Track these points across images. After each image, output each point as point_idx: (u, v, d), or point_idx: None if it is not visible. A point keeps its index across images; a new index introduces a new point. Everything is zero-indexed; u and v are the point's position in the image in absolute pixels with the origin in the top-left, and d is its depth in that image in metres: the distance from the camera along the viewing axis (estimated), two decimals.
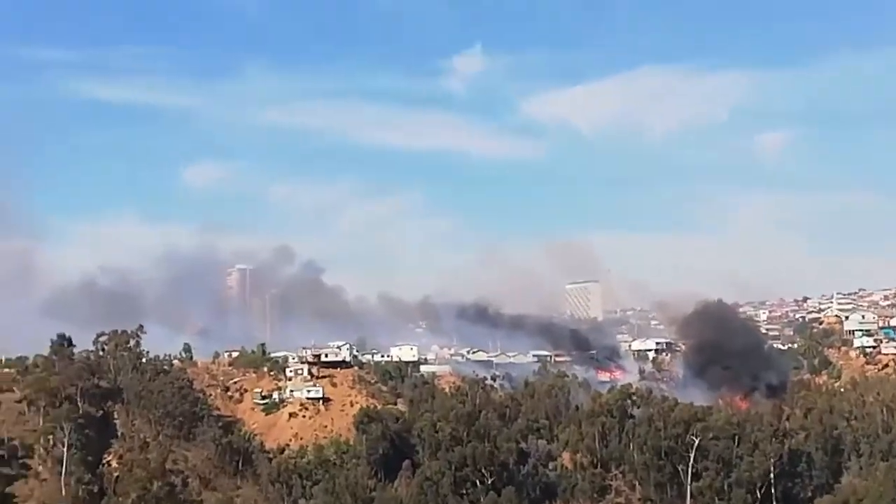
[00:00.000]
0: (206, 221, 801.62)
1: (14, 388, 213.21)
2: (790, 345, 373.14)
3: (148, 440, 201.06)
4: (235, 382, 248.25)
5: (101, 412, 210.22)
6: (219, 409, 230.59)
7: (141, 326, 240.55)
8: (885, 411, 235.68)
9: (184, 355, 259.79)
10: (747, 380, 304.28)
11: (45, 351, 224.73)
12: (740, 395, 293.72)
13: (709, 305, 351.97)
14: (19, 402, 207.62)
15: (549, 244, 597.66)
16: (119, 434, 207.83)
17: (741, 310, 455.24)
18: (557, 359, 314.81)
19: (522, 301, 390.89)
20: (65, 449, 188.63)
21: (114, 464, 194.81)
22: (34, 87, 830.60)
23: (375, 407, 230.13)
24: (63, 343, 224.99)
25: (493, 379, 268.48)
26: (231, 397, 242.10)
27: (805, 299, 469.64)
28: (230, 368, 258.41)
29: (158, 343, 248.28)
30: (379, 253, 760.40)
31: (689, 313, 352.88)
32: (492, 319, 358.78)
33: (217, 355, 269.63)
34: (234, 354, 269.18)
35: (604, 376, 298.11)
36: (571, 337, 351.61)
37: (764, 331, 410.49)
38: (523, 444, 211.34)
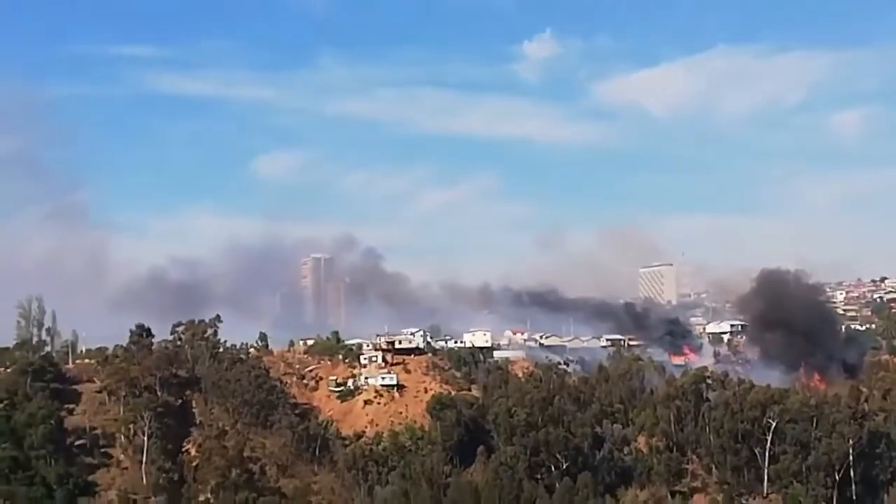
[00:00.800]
0: (278, 211, 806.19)
1: (95, 378, 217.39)
2: (868, 325, 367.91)
3: (226, 428, 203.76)
4: (311, 370, 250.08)
5: (179, 401, 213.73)
6: (295, 397, 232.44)
7: (218, 316, 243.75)
8: None
9: (260, 344, 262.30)
10: (821, 358, 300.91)
11: (125, 341, 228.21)
12: (816, 374, 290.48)
13: (767, 275, 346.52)
14: (100, 391, 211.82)
15: (603, 231, 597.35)
16: (197, 423, 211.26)
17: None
18: (631, 343, 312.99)
19: (594, 285, 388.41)
20: (145, 438, 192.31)
21: (193, 452, 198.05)
22: (115, 83, 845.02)
23: (449, 393, 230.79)
24: (142, 333, 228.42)
25: (567, 364, 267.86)
26: (307, 385, 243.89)
27: (883, 279, 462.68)
28: (305, 356, 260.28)
29: (234, 332, 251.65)
30: (451, 239, 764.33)
31: (747, 289, 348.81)
32: (556, 304, 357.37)
33: (292, 343, 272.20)
34: (310, 342, 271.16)
35: (678, 360, 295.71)
36: (645, 320, 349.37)
37: (841, 311, 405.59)
38: (598, 429, 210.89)
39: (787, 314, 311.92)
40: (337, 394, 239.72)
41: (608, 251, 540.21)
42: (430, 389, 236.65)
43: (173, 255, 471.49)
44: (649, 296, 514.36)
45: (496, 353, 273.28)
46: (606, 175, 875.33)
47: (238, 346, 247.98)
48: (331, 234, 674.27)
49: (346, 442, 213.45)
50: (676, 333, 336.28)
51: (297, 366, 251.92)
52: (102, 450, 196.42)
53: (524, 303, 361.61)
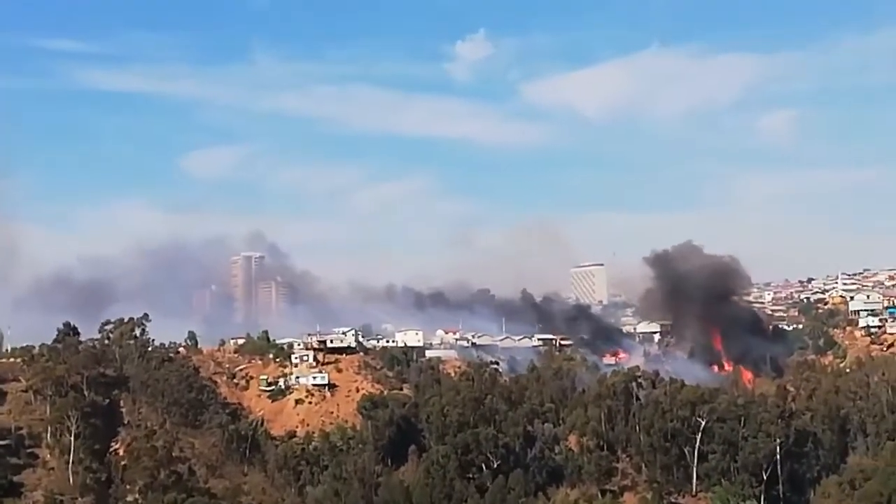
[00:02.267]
0: (208, 208, 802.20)
1: (20, 378, 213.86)
2: (795, 325, 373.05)
3: (154, 428, 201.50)
4: (241, 369, 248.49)
5: (107, 401, 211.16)
6: (225, 397, 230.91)
7: (146, 315, 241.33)
8: (890, 391, 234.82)
9: (189, 343, 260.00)
10: (743, 350, 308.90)
11: (51, 340, 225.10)
12: (746, 371, 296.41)
13: (658, 255, 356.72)
14: (26, 391, 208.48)
15: (518, 228, 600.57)
16: (125, 422, 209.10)
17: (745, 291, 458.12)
18: (562, 343, 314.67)
19: (524, 285, 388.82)
20: (72, 438, 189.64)
21: (121, 452, 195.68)
22: (44, 77, 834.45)
23: (381, 392, 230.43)
24: (69, 332, 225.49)
25: (498, 363, 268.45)
26: (237, 384, 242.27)
27: (810, 280, 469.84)
28: (236, 356, 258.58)
29: (163, 332, 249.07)
30: (384, 238, 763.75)
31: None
32: (458, 303, 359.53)
33: (222, 343, 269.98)
34: (240, 342, 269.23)
35: (609, 359, 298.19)
36: (576, 320, 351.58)
37: (769, 311, 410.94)
38: (529, 428, 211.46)
39: (685, 283, 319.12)
40: (268, 393, 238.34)
41: (522, 248, 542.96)
42: (362, 389, 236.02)
43: (83, 253, 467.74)
44: (580, 297, 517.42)
45: (428, 353, 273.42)
46: (539, 174, 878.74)
47: (167, 346, 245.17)
48: (240, 232, 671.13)
49: (277, 442, 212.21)
50: (608, 333, 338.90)
51: (228, 365, 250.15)
52: (28, 450, 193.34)
53: (424, 303, 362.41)
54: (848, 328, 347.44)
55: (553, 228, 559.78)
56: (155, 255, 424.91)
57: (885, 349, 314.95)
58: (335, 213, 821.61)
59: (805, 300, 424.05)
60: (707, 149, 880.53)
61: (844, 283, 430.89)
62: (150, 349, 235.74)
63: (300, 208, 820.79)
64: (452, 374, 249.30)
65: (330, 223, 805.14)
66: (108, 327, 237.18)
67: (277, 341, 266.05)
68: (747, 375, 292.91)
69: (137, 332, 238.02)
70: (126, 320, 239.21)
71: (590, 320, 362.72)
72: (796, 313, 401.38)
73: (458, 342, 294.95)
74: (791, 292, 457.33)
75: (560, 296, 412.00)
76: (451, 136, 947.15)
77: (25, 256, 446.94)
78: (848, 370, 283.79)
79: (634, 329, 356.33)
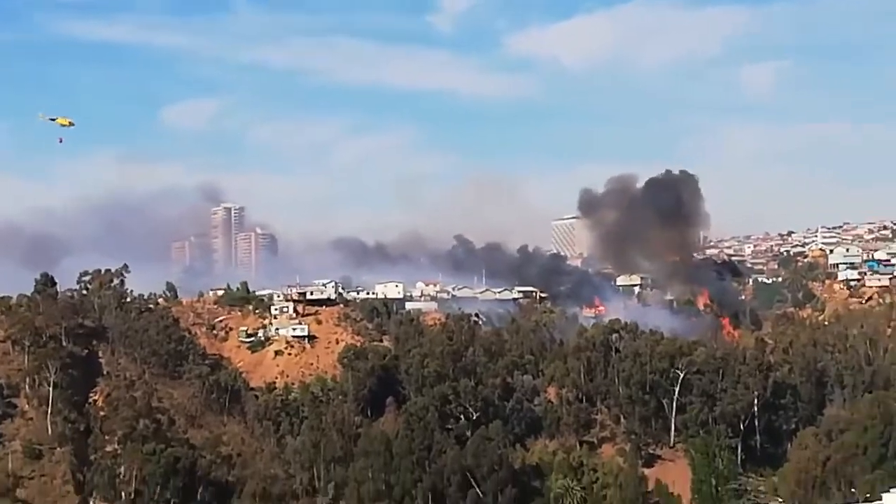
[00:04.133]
0: (187, 161, 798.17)
1: None
2: (774, 278, 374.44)
3: (133, 379, 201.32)
4: (221, 321, 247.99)
5: (86, 351, 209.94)
6: (204, 348, 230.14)
7: (125, 266, 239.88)
8: (868, 344, 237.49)
9: (168, 294, 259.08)
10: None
11: (29, 290, 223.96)
12: (726, 322, 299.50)
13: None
14: (3, 341, 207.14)
15: (472, 178, 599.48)
16: (104, 373, 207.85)
17: (726, 244, 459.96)
18: (543, 295, 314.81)
19: (506, 237, 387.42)
20: (50, 388, 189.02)
21: (99, 402, 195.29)
22: (22, 26, 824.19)
23: (361, 344, 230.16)
24: (46, 283, 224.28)
25: (479, 316, 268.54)
26: (216, 336, 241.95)
27: (790, 233, 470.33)
28: (215, 307, 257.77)
29: (142, 283, 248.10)
30: (367, 190, 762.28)
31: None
32: (407, 257, 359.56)
33: (202, 294, 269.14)
34: (219, 293, 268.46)
35: (589, 312, 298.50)
36: (556, 273, 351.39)
37: (749, 265, 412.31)
38: (509, 380, 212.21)
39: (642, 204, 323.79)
40: (247, 345, 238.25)
41: (472, 202, 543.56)
42: (342, 340, 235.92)
43: (53, 205, 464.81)
44: (560, 249, 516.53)
45: (408, 305, 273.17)
46: (526, 128, 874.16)
47: (146, 297, 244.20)
48: (194, 183, 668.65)
49: (257, 393, 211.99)
50: (588, 286, 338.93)
51: (207, 316, 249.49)
52: (7, 400, 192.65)
53: (370, 255, 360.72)
54: (827, 281, 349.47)
55: (508, 182, 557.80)
56: (126, 207, 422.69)
57: (863, 302, 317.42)
58: (315, 166, 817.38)
59: (785, 253, 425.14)
60: (690, 101, 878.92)
61: (824, 237, 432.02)
62: (128, 300, 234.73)
63: (279, 161, 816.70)
64: (433, 327, 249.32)
65: (309, 177, 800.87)
66: (85, 278, 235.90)
67: (257, 293, 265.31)
68: (729, 329, 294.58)
69: (116, 282, 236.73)
70: (104, 271, 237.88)
71: (569, 273, 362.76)
72: (776, 266, 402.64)
73: (439, 294, 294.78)
74: (771, 245, 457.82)
75: (508, 247, 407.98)
76: (433, 88, 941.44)
77: None
78: (826, 323, 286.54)
79: (615, 282, 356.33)
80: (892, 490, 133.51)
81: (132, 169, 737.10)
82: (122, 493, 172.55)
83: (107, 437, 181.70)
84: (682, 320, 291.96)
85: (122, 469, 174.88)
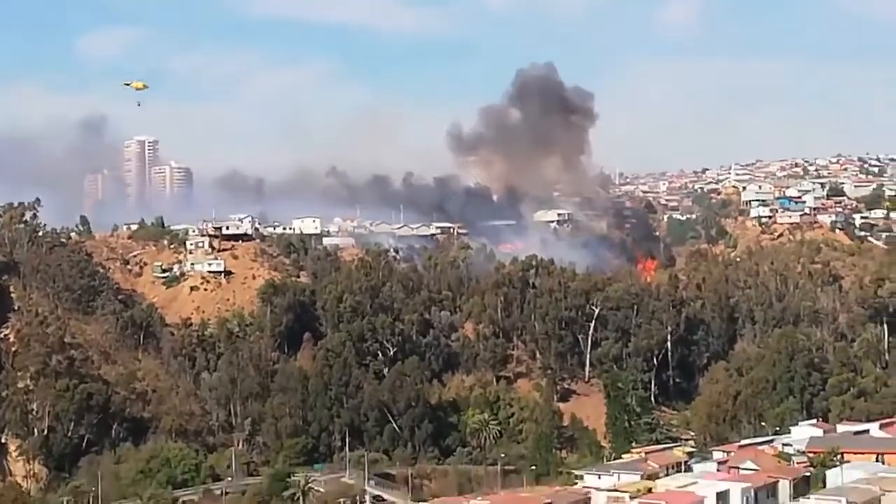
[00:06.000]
0: (102, 92, 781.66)
1: None
2: (689, 216, 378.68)
3: (46, 315, 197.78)
4: (135, 255, 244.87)
5: None
6: (118, 283, 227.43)
7: (38, 199, 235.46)
8: (778, 280, 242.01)
9: (81, 228, 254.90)
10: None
11: None
12: (641, 256, 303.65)
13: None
14: None
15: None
16: (16, 308, 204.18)
17: (641, 181, 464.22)
18: (460, 231, 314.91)
19: (422, 173, 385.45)
20: None
21: (11, 338, 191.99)
22: None
23: (279, 280, 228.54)
24: None
25: (396, 251, 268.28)
26: (130, 271, 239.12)
27: (704, 170, 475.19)
28: (129, 242, 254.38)
29: (55, 217, 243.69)
30: (285, 124, 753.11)
31: None
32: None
33: (115, 228, 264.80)
34: (133, 227, 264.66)
35: (506, 248, 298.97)
36: (474, 209, 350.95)
37: (663, 202, 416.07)
38: (426, 316, 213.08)
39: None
40: (162, 280, 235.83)
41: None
42: (259, 276, 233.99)
43: None
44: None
45: (325, 240, 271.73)
46: (444, 65, 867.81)
47: (58, 231, 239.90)
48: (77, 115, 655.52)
49: (172, 328, 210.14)
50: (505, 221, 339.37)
51: (121, 251, 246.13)
52: None
53: (264, 191, 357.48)
54: (739, 218, 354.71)
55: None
56: (39, 139, 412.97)
57: (774, 238, 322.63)
58: (231, 98, 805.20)
59: (699, 190, 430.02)
60: (607, 39, 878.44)
61: (737, 174, 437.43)
62: (40, 234, 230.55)
63: (196, 93, 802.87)
64: (351, 262, 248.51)
65: (225, 109, 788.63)
66: None
67: (172, 227, 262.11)
68: (649, 265, 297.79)
69: (28, 216, 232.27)
70: (16, 205, 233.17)
71: (487, 207, 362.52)
72: (690, 203, 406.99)
73: (356, 230, 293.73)
74: (685, 182, 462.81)
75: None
76: (351, 21, 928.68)
77: None
78: (738, 259, 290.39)
79: (532, 218, 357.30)
80: (800, 423, 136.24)
81: (49, 101, 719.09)
82: (35, 430, 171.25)
83: (19, 374, 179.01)
84: (597, 256, 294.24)
85: (35, 405, 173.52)
